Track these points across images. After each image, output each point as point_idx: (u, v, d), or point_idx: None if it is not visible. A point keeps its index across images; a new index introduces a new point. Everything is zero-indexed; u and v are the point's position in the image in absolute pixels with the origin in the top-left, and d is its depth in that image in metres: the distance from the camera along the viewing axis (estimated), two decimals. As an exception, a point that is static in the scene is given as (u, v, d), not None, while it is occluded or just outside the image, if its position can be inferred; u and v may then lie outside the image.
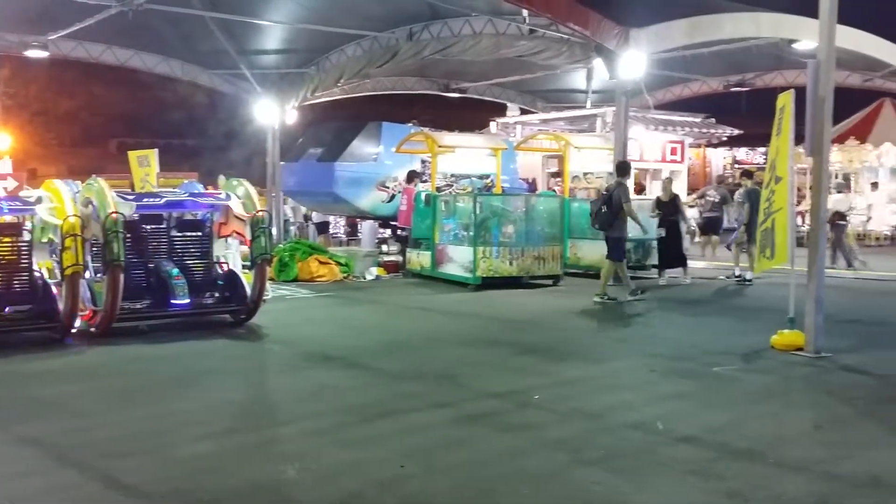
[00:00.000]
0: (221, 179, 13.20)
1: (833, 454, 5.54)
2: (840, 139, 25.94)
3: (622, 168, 13.07)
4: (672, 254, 14.97)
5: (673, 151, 21.14)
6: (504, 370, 8.13)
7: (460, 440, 5.88)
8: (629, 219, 12.59)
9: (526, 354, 8.84)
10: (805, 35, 16.61)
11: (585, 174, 19.15)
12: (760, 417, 6.47)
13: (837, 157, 25.85)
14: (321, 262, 15.33)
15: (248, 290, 10.36)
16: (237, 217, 10.26)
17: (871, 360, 8.35)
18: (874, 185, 26.05)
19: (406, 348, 9.28)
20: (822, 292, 8.55)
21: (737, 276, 14.98)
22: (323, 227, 21.70)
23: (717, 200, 17.75)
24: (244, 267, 11.03)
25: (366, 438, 5.88)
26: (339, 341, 9.62)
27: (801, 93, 8.95)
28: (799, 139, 9.16)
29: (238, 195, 10.54)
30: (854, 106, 28.31)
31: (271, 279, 14.10)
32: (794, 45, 17.87)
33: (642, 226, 13.45)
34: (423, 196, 16.14)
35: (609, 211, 12.47)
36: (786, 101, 9.33)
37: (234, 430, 6.12)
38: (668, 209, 14.82)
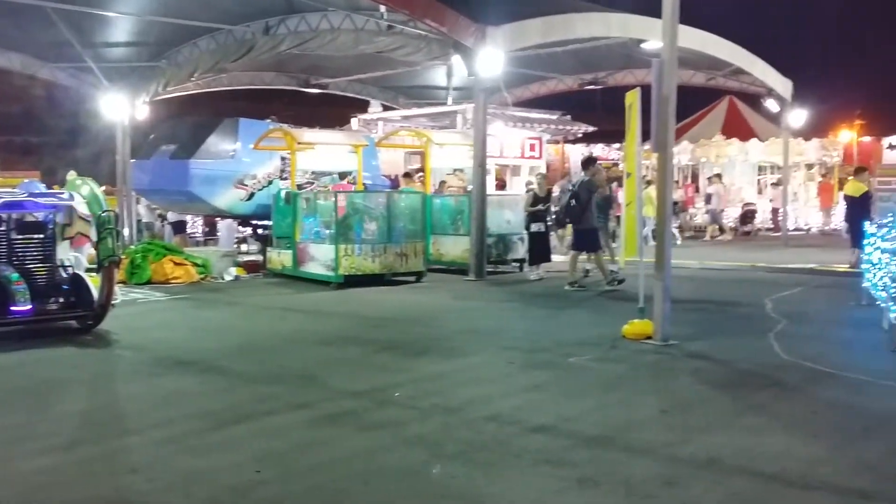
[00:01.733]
0: (72, 175, 12.46)
1: (677, 437, 5.78)
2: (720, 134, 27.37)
3: (588, 162, 14.08)
4: (545, 248, 15.23)
5: (532, 148, 21.68)
6: (365, 368, 8.09)
7: (318, 441, 5.80)
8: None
9: (387, 351, 8.83)
10: (652, 35, 17.30)
11: (456, 170, 19.33)
12: (611, 405, 6.70)
13: (700, 153, 27.29)
14: (176, 264, 14.82)
15: (96, 295, 9.88)
16: (81, 218, 9.76)
17: (714, 347, 8.79)
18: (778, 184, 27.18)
19: (264, 350, 9.09)
20: (668, 282, 8.94)
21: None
22: (179, 227, 20.97)
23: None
24: (91, 270, 10.50)
25: (220, 444, 5.71)
26: (194, 345, 9.32)
27: (649, 91, 9.31)
28: (647, 136, 9.53)
29: (82, 195, 10.03)
30: (699, 103, 29.85)
31: (122, 282, 13.54)
32: (643, 45, 18.61)
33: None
34: (282, 194, 15.88)
35: (578, 205, 13.17)
36: (633, 100, 9.70)
37: (79, 442, 5.82)
38: (544, 204, 15.17)
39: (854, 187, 15.52)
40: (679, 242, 21.59)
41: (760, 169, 29.11)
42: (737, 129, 27.78)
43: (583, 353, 8.53)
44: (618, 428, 5.99)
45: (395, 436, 5.88)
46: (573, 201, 13.20)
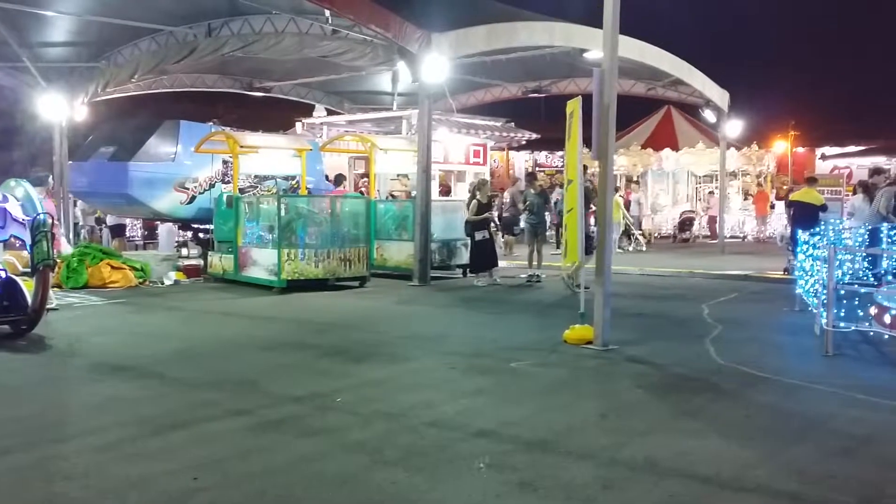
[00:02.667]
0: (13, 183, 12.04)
1: (616, 441, 5.87)
2: (648, 143, 27.87)
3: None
4: (493, 255, 15.32)
5: (476, 154, 21.81)
6: (306, 374, 8.04)
7: (258, 448, 5.74)
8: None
9: (329, 357, 8.79)
10: (594, 45, 17.55)
11: (400, 175, 19.34)
12: (552, 409, 6.76)
13: (622, 162, 27.72)
14: (114, 268, 14.55)
15: (30, 299, 9.64)
16: (16, 221, 9.53)
17: (652, 351, 8.94)
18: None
19: (204, 355, 8.97)
20: (609, 288, 9.07)
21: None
22: (118, 231, 20.59)
23: (508, 201, 18.49)
24: (25, 273, 10.25)
25: (157, 451, 5.62)
26: (132, 350, 9.15)
27: (591, 99, 9.44)
28: (589, 143, 9.65)
29: (17, 197, 9.79)
30: (642, 112, 30.40)
31: (58, 286, 13.25)
32: (585, 55, 18.87)
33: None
34: (224, 198, 15.70)
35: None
36: (574, 108, 9.83)
37: (11, 449, 5.67)
38: (488, 211, 15.28)
39: (813, 196, 15.81)
40: (643, 249, 22.84)
41: (695, 177, 29.72)
42: (665, 138, 28.32)
43: (524, 357, 8.60)
44: (558, 432, 6.05)
45: (335, 442, 5.85)
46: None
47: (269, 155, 17.01)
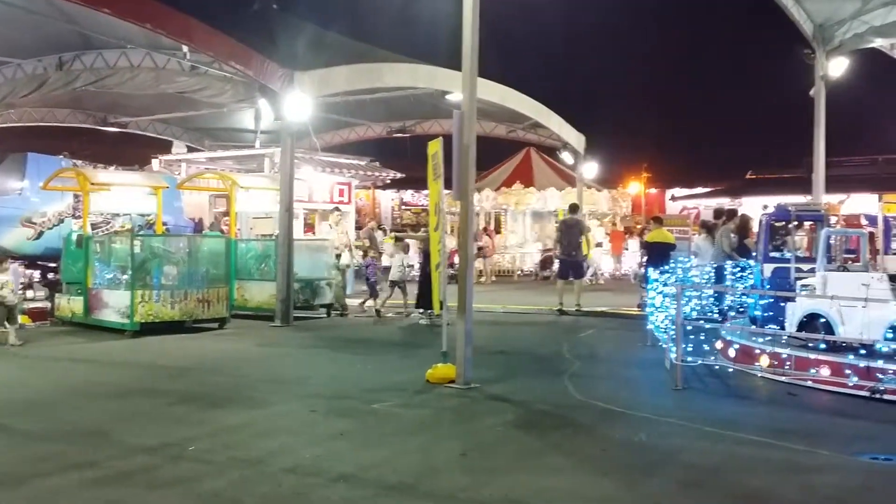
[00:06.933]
0: None
1: (477, 480, 5.89)
2: (507, 183, 28.43)
3: (575, 206, 18.22)
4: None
5: (341, 193, 21.74)
6: (159, 422, 7.69)
7: (105, 502, 5.43)
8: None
9: (184, 403, 8.44)
10: (457, 87, 17.82)
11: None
12: (414, 451, 6.73)
13: (502, 201, 28.27)
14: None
15: None
16: None
17: (513, 389, 9.07)
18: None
19: (49, 404, 8.45)
20: (470, 326, 9.16)
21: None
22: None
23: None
24: None
25: (-10, 511, 5.23)
26: (-34, 401, 8.52)
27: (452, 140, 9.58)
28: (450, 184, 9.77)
29: None
30: (503, 154, 31.14)
31: None
32: (448, 97, 19.23)
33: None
34: (74, 237, 14.98)
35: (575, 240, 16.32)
36: (436, 149, 9.95)
37: None
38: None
39: (665, 235, 16.50)
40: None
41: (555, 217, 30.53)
42: (523, 179, 28.99)
43: (387, 398, 8.54)
44: (419, 474, 6.02)
45: (188, 493, 5.61)
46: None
47: (122, 192, 16.37)
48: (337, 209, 18.56)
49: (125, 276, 13.61)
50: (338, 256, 16.94)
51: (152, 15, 12.90)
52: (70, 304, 14.51)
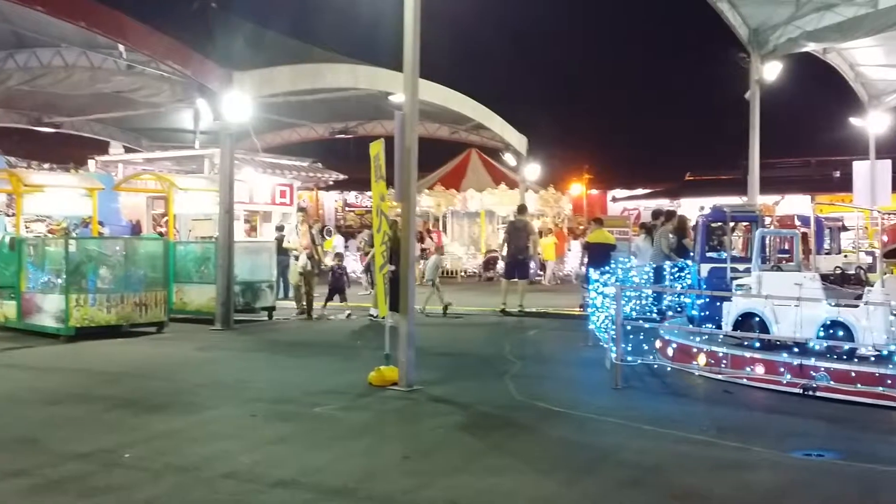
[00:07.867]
0: None
1: (418, 483, 5.87)
2: (443, 184, 28.37)
3: (523, 208, 18.71)
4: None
5: (283, 194, 21.57)
6: (93, 428, 7.50)
7: (34, 513, 5.29)
8: None
9: (119, 409, 8.25)
10: (399, 89, 17.83)
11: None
12: (355, 454, 6.67)
13: (429, 202, 28.20)
14: None
15: None
16: None
17: (456, 391, 9.07)
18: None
19: (-23, 412, 8.19)
20: (412, 328, 9.13)
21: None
22: None
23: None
24: None
25: (-88, 525, 5.04)
26: None
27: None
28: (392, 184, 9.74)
29: None
30: (447, 155, 31.17)
31: None
32: (390, 98, 19.16)
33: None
34: (7, 240, 14.57)
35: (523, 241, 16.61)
36: (378, 150, 9.90)
37: None
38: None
39: (605, 236, 16.65)
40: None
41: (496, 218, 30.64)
42: (459, 179, 29.04)
43: (329, 402, 8.47)
44: (360, 478, 5.97)
45: (122, 501, 5.49)
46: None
47: (58, 194, 15.98)
48: (302, 209, 18.43)
49: (60, 280, 13.28)
50: (296, 258, 16.75)
51: (86, 13, 12.63)
52: (2, 309, 14.11)
